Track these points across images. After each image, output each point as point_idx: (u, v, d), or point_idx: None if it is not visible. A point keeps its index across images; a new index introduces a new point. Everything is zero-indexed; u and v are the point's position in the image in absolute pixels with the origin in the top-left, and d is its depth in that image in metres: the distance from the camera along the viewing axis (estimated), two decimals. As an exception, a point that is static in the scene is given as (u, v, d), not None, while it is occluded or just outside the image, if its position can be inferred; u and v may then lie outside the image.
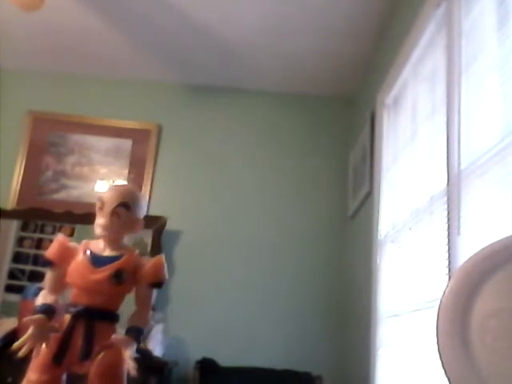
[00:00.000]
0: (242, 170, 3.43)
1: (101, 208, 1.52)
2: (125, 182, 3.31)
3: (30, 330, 1.36)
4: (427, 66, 2.07)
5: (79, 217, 3.12)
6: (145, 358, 2.59)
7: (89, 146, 3.41)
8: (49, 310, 1.43)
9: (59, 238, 1.55)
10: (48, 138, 3.41)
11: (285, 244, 3.30)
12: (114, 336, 1.41)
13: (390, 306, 2.24)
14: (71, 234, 3.12)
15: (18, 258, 3.13)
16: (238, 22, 2.86)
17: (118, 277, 1.47)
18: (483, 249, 0.99)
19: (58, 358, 1.41)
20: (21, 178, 3.32)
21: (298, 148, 3.48)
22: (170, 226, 3.22)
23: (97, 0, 2.75)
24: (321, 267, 3.27)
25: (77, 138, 3.42)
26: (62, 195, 3.31)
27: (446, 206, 1.64)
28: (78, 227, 3.15)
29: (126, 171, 3.37)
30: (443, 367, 0.93)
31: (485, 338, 0.91)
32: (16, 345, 1.35)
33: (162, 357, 2.77)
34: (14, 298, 2.99)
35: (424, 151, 2.00)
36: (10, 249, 3.15)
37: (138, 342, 1.43)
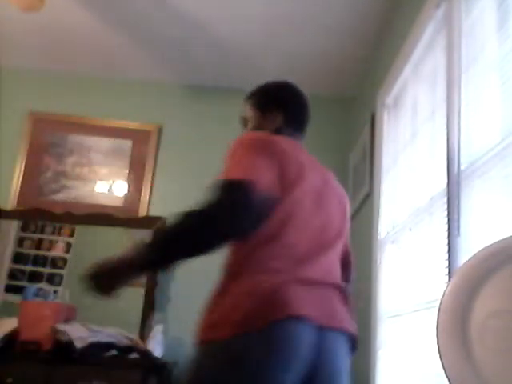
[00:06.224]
0: (242, 171, 3.42)
1: None
2: (125, 183, 3.31)
3: None
4: (427, 67, 2.07)
5: (79, 217, 3.11)
6: (145, 359, 2.59)
7: (89, 147, 3.40)
8: None
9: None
10: (48, 139, 3.41)
11: (285, 244, 3.29)
12: None
13: (390, 306, 2.24)
14: (71, 235, 3.12)
15: (18, 258, 3.12)
16: (238, 22, 2.86)
17: None
18: (483, 250, 0.99)
19: None
20: (21, 178, 3.31)
21: (298, 148, 3.47)
22: (170, 226, 3.22)
23: (97, 0, 2.76)
24: (321, 268, 3.26)
25: (77, 139, 3.42)
26: (61, 196, 3.31)
27: (445, 207, 1.64)
28: (78, 228, 3.15)
29: (126, 172, 3.37)
30: (443, 368, 0.93)
31: (485, 339, 0.91)
32: None
33: (161, 357, 2.77)
34: (14, 298, 2.98)
35: (424, 152, 2.00)
36: (10, 249, 3.14)
37: None
